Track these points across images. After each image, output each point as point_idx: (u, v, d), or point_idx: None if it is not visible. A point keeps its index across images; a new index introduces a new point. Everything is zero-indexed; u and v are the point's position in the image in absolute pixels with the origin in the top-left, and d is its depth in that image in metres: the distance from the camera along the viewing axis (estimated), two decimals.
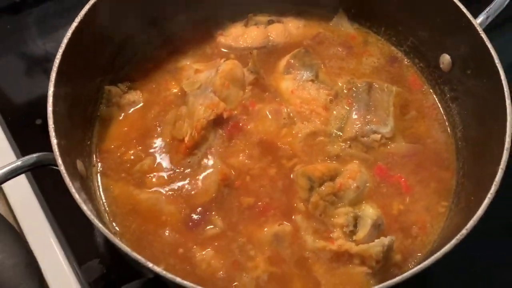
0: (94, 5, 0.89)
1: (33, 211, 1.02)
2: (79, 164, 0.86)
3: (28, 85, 1.23)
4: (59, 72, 0.81)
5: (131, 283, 0.70)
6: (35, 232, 1.00)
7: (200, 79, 1.02)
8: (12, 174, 0.74)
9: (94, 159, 0.95)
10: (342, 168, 0.93)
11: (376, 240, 0.83)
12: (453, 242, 0.69)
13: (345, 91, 1.03)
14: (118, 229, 0.89)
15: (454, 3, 0.92)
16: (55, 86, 0.80)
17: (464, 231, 0.70)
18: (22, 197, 1.03)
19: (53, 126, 0.76)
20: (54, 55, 1.22)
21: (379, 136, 0.97)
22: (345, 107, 1.01)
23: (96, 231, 1.00)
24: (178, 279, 0.65)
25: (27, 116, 1.16)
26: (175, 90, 1.04)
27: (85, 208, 0.70)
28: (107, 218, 0.89)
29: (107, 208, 0.90)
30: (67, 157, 0.78)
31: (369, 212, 0.87)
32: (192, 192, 0.92)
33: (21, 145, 1.10)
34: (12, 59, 1.28)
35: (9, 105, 1.20)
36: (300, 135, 0.98)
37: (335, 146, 0.97)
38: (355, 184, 0.91)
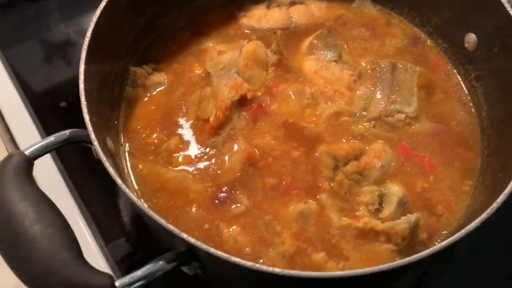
0: None
1: (60, 190, 1.04)
2: (109, 142, 0.87)
3: (50, 70, 1.24)
4: (89, 50, 0.82)
5: (164, 255, 0.71)
6: (62, 211, 1.02)
7: (224, 60, 1.03)
8: (46, 149, 0.76)
9: (122, 138, 0.96)
10: (366, 147, 0.93)
11: (402, 217, 0.83)
12: (483, 216, 0.70)
13: (369, 71, 1.03)
14: (146, 206, 0.90)
15: None
16: (86, 63, 0.81)
17: (494, 205, 0.71)
18: (48, 176, 1.04)
19: (85, 102, 0.77)
20: (77, 40, 1.25)
21: (403, 115, 0.97)
22: (369, 87, 1.01)
23: (123, 210, 1.02)
24: (212, 250, 0.66)
25: (51, 99, 1.18)
26: (199, 72, 1.05)
27: (119, 181, 0.72)
28: (136, 195, 0.90)
29: (135, 186, 0.92)
30: (98, 134, 0.79)
31: (395, 190, 0.88)
32: (218, 171, 0.93)
33: (47, 128, 1.11)
34: (34, 45, 1.29)
35: (32, 89, 1.21)
36: (324, 115, 0.99)
37: (360, 126, 0.98)
38: (379, 163, 0.91)
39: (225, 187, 0.92)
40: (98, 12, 0.86)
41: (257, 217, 0.89)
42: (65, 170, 1.04)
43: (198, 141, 0.96)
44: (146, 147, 0.96)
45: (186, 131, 0.98)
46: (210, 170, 0.94)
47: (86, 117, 0.76)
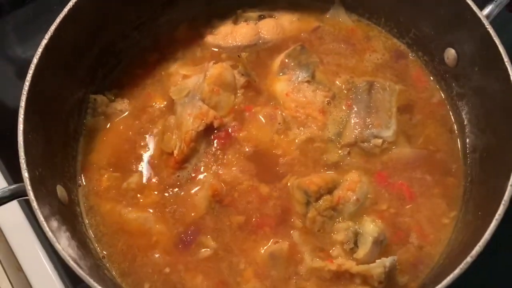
0: (66, 17, 0.83)
1: (25, 234, 0.99)
2: (60, 190, 0.81)
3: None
4: (30, 96, 0.76)
5: None
6: (28, 256, 0.97)
7: (188, 86, 0.96)
8: None
9: (79, 179, 0.91)
10: (340, 179, 0.87)
11: (377, 261, 0.78)
12: (456, 272, 0.63)
13: (344, 91, 0.96)
14: (105, 253, 0.85)
15: None
16: (25, 114, 0.75)
17: (468, 259, 0.64)
18: (14, 220, 0.99)
19: (24, 158, 0.72)
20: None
21: (380, 140, 0.90)
22: (344, 109, 0.94)
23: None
24: None
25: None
26: (161, 104, 0.98)
27: (59, 247, 0.66)
28: (93, 243, 0.85)
29: (92, 231, 0.87)
30: (43, 187, 0.74)
31: (370, 228, 0.81)
32: (183, 210, 0.88)
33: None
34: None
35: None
36: (295, 141, 0.92)
37: (333, 153, 0.91)
38: (354, 197, 0.85)
39: (191, 228, 0.86)
40: (39, 51, 0.79)
41: (223, 259, 0.84)
42: (30, 213, 0.98)
43: (161, 177, 0.90)
44: (106, 187, 0.90)
45: (149, 166, 0.92)
46: (174, 209, 0.88)
47: (25, 175, 0.70)
